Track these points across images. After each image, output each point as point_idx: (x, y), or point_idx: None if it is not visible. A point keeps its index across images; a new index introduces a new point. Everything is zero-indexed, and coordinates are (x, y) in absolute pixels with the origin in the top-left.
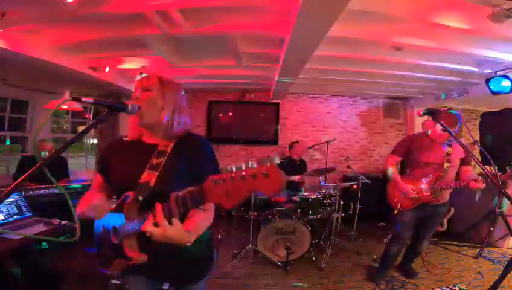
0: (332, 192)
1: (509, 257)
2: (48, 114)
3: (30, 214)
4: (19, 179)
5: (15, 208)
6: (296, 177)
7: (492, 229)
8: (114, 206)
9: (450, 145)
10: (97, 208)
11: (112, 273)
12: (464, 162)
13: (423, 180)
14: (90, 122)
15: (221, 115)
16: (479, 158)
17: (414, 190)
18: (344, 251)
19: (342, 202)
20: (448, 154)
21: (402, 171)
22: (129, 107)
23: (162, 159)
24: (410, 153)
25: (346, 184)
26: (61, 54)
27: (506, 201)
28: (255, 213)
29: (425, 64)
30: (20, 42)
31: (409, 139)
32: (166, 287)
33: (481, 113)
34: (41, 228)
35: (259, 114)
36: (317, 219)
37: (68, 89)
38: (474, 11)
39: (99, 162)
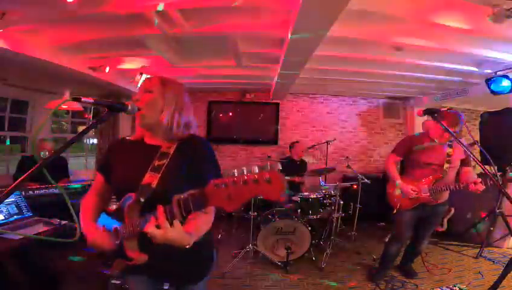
0: (332, 192)
1: (509, 257)
2: (48, 114)
3: (30, 214)
4: (19, 179)
5: (15, 208)
6: (296, 178)
7: (492, 229)
8: (115, 207)
9: (450, 146)
10: (96, 212)
11: (112, 273)
12: (464, 162)
13: (423, 181)
14: (90, 122)
15: (221, 115)
16: (479, 158)
17: (414, 191)
18: (344, 251)
19: (342, 202)
20: (448, 155)
21: (402, 171)
22: (129, 107)
23: (165, 161)
24: (410, 153)
25: (346, 184)
26: (61, 54)
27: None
28: (255, 213)
29: (425, 64)
30: (20, 42)
31: (409, 139)
32: (166, 287)
33: (481, 113)
34: (41, 228)
35: (259, 114)
36: (317, 219)
37: (68, 89)
38: (474, 11)
39: (101, 161)
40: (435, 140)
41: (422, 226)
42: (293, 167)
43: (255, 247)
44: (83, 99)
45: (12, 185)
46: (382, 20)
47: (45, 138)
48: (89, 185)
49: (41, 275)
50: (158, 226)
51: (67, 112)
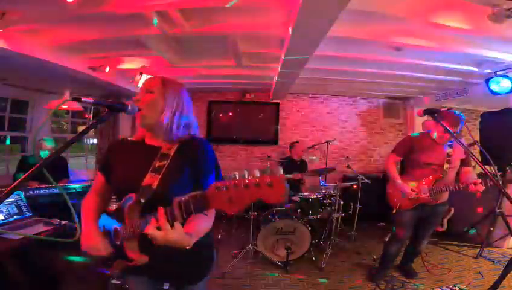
0: (332, 192)
1: (509, 257)
2: (48, 114)
3: (30, 214)
4: (19, 179)
5: (15, 208)
6: (296, 175)
7: (492, 229)
8: (115, 207)
9: (450, 146)
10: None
11: (112, 274)
12: (464, 162)
13: (423, 181)
14: (90, 122)
15: (221, 115)
16: (479, 158)
17: (414, 191)
18: (344, 251)
19: (342, 202)
20: (448, 155)
21: (402, 171)
22: (129, 107)
23: (165, 162)
24: (410, 153)
25: (346, 184)
26: (61, 54)
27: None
28: (255, 213)
29: (425, 64)
30: (20, 42)
31: (409, 139)
32: (166, 288)
33: (481, 113)
34: (41, 228)
35: (259, 114)
36: (317, 219)
37: (68, 89)
38: (474, 11)
39: (101, 161)
40: (435, 140)
41: (422, 226)
42: (293, 167)
43: (255, 247)
44: (83, 99)
45: (13, 185)
46: (382, 20)
47: (45, 137)
48: (89, 185)
49: (41, 275)
50: (159, 228)
51: (67, 112)
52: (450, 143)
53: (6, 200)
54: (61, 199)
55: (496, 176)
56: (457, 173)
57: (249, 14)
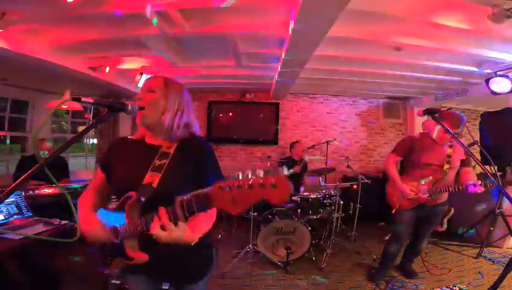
0: (332, 192)
1: (509, 257)
2: (48, 114)
3: (30, 214)
4: (19, 179)
5: (15, 208)
6: (297, 168)
7: (492, 229)
8: (115, 205)
9: (450, 146)
10: (95, 209)
11: (112, 273)
12: (464, 163)
13: (422, 181)
14: (90, 122)
15: (221, 115)
16: (479, 158)
17: (413, 191)
18: (344, 251)
19: (342, 202)
20: (448, 156)
21: (402, 172)
22: (129, 107)
23: (165, 160)
24: (410, 154)
25: (346, 184)
26: (61, 54)
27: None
28: (255, 213)
29: (425, 64)
30: (20, 42)
31: (409, 139)
32: (166, 287)
33: (481, 113)
34: (41, 228)
35: (259, 114)
36: (317, 219)
37: (68, 89)
38: (474, 11)
39: (102, 159)
40: (435, 140)
41: (422, 225)
42: (294, 167)
43: (255, 247)
44: (83, 99)
45: (13, 185)
46: (382, 20)
47: (45, 137)
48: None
49: (41, 275)
50: (163, 227)
51: (67, 112)
52: (450, 143)
53: (6, 200)
54: (61, 199)
55: (496, 176)
56: (457, 173)
57: (248, 14)
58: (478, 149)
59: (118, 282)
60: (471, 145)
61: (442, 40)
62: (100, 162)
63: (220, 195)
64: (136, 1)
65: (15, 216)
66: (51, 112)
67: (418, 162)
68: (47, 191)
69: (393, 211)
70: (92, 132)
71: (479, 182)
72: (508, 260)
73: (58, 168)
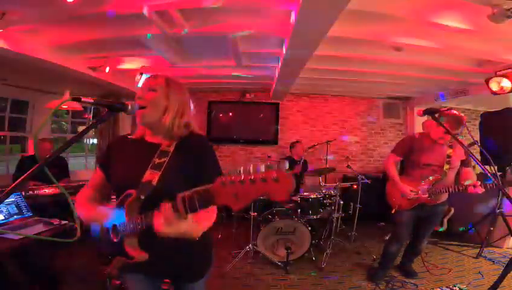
0: (332, 192)
1: (509, 257)
2: (48, 114)
3: (30, 214)
4: (19, 179)
5: (15, 208)
6: (297, 168)
7: (492, 229)
8: (114, 204)
9: (450, 147)
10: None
11: (111, 272)
12: (464, 163)
13: (422, 182)
14: (90, 122)
15: (221, 115)
16: (479, 158)
17: (413, 191)
18: (344, 251)
19: (342, 202)
20: (448, 156)
21: (402, 171)
22: (129, 107)
23: (165, 159)
24: (410, 154)
25: (346, 184)
26: (61, 54)
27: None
28: (255, 213)
29: (425, 64)
30: (20, 42)
31: (409, 139)
32: (165, 287)
33: (481, 113)
34: (41, 228)
35: (259, 114)
36: (317, 219)
37: (68, 89)
38: (474, 11)
39: (101, 157)
40: (436, 141)
41: (422, 225)
42: (294, 167)
43: (255, 247)
44: (83, 99)
45: (13, 185)
46: (382, 20)
47: (45, 138)
48: None
49: (41, 275)
50: (167, 219)
51: (67, 112)
52: (450, 144)
53: (6, 200)
54: (61, 199)
55: (496, 176)
56: (457, 174)
57: (249, 14)
58: (478, 149)
59: (118, 282)
60: (471, 145)
61: (442, 40)
62: (99, 161)
63: (222, 191)
64: (136, 1)
65: (15, 216)
66: (51, 112)
67: (418, 163)
68: (47, 191)
69: (393, 211)
70: (92, 132)
71: (479, 182)
72: (508, 260)
73: (58, 168)
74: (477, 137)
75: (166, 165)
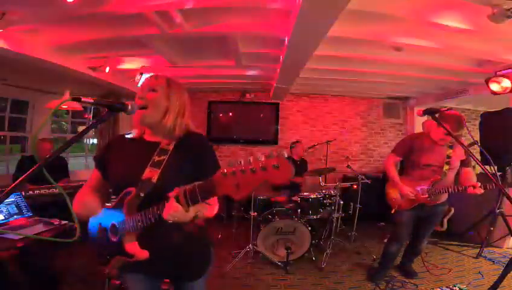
0: (332, 192)
1: (509, 257)
2: (48, 114)
3: (30, 214)
4: (19, 179)
5: (15, 208)
6: (297, 179)
7: (492, 229)
8: (113, 203)
9: (450, 147)
10: (89, 207)
11: (110, 272)
12: (464, 163)
13: (421, 182)
14: (90, 122)
15: (221, 115)
16: (479, 158)
17: (412, 193)
18: (344, 251)
19: (342, 202)
20: (448, 157)
21: (402, 172)
22: (129, 107)
23: (164, 156)
24: (410, 154)
25: (346, 184)
26: (61, 54)
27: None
28: (255, 213)
29: (425, 64)
30: (20, 42)
31: (409, 139)
32: (165, 287)
33: (481, 113)
34: (41, 228)
35: (259, 114)
36: (317, 219)
37: (68, 89)
38: (474, 11)
39: (99, 157)
40: (436, 141)
41: (422, 225)
42: (294, 167)
43: (255, 247)
44: (83, 99)
45: (12, 185)
46: (382, 20)
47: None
48: None
49: (41, 275)
50: (177, 198)
51: (67, 112)
52: (450, 144)
53: (6, 200)
54: (61, 199)
55: (496, 176)
56: (457, 174)
57: (249, 14)
58: (478, 149)
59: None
60: (471, 145)
61: (442, 40)
62: (96, 160)
63: (223, 182)
64: (136, 1)
65: (15, 216)
66: (51, 112)
67: (417, 163)
68: (47, 191)
69: (393, 211)
70: (92, 132)
71: (479, 183)
72: (508, 260)
73: (58, 168)
74: (477, 137)
75: (166, 163)
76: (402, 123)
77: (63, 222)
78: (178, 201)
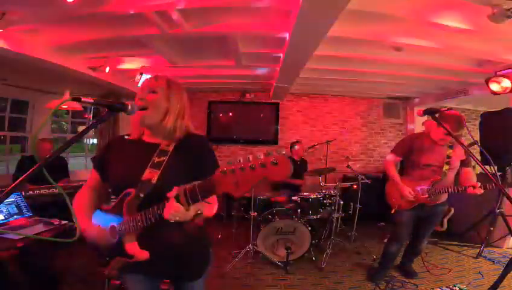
0: (332, 192)
1: (509, 257)
2: (48, 114)
3: (30, 214)
4: (19, 179)
5: (15, 208)
6: (297, 181)
7: (492, 229)
8: (112, 203)
9: (450, 147)
10: (90, 210)
11: (110, 273)
12: (464, 163)
13: (421, 183)
14: (90, 122)
15: (221, 115)
16: (479, 158)
17: (411, 193)
18: (344, 251)
19: (342, 202)
20: (448, 157)
21: (402, 172)
22: (129, 107)
23: (164, 157)
24: (410, 154)
25: (346, 184)
26: (61, 54)
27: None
28: (255, 213)
29: (425, 64)
30: (20, 42)
31: (409, 139)
32: (165, 287)
33: (481, 113)
34: (41, 228)
35: (259, 114)
36: (317, 219)
37: (68, 89)
38: (474, 11)
39: (97, 159)
40: (436, 141)
41: (422, 225)
42: (294, 167)
43: (255, 247)
44: (83, 99)
45: (12, 185)
46: (382, 20)
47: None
48: None
49: (41, 275)
50: (177, 198)
51: (67, 112)
52: (450, 144)
53: (6, 200)
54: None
55: (496, 176)
56: (457, 174)
57: (249, 14)
58: (478, 149)
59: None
60: (471, 145)
61: (442, 40)
62: (95, 161)
63: (223, 180)
64: (136, 1)
65: (15, 216)
66: (51, 112)
67: (417, 163)
68: (47, 191)
69: (393, 211)
70: (92, 132)
71: (479, 183)
72: (508, 260)
73: (58, 168)
74: (477, 137)
75: (166, 163)
76: (402, 123)
77: (63, 222)
78: (178, 201)
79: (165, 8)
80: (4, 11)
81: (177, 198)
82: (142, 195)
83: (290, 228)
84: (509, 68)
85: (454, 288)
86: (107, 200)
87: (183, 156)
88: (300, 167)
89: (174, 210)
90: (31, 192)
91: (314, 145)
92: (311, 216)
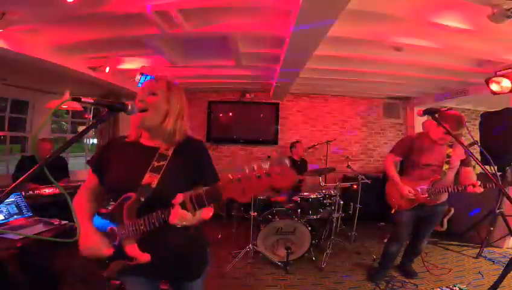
0: (332, 192)
1: (509, 257)
2: (48, 114)
3: (30, 214)
4: (19, 179)
5: (15, 208)
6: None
7: (492, 229)
8: (112, 206)
9: (450, 146)
10: (90, 212)
11: (109, 275)
12: (464, 163)
13: (421, 182)
14: (90, 122)
15: (221, 115)
16: (479, 158)
17: (411, 193)
18: (344, 251)
19: (342, 202)
20: (448, 156)
21: (401, 172)
22: (129, 107)
23: (164, 162)
24: (410, 154)
25: (346, 184)
26: (61, 54)
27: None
28: (255, 213)
29: (425, 64)
30: (20, 42)
31: (409, 139)
32: (165, 287)
33: (481, 113)
34: (41, 228)
35: (259, 114)
36: (317, 219)
37: (68, 89)
38: (474, 11)
39: (95, 161)
40: (435, 141)
41: (422, 225)
42: (294, 167)
43: (255, 247)
44: (83, 99)
45: (13, 185)
46: (382, 20)
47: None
48: None
49: (41, 275)
50: (183, 205)
51: (67, 112)
52: (450, 143)
53: (6, 200)
54: (61, 199)
55: (496, 176)
56: (457, 173)
57: (249, 14)
58: (478, 149)
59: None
60: (471, 145)
61: (442, 40)
62: (92, 164)
63: (229, 187)
64: (136, 1)
65: (15, 216)
66: (51, 112)
67: (417, 163)
68: (47, 191)
69: (393, 211)
70: (92, 132)
71: (479, 182)
72: (508, 260)
73: (58, 168)
74: (477, 137)
75: (166, 168)
76: (402, 123)
77: (63, 222)
78: (185, 207)
79: (165, 8)
80: (4, 11)
81: (182, 204)
82: (142, 199)
83: (290, 228)
84: (509, 68)
85: (454, 288)
86: (105, 202)
87: (182, 160)
88: (300, 167)
89: (181, 216)
90: (31, 192)
91: (314, 145)
92: (311, 216)
